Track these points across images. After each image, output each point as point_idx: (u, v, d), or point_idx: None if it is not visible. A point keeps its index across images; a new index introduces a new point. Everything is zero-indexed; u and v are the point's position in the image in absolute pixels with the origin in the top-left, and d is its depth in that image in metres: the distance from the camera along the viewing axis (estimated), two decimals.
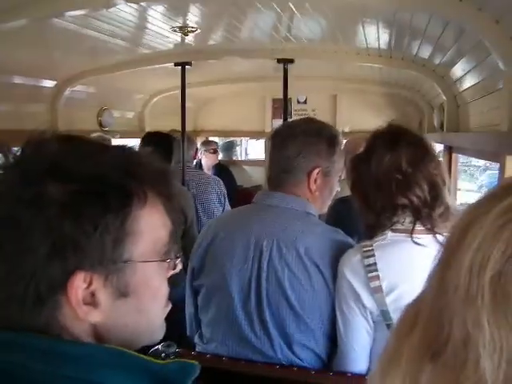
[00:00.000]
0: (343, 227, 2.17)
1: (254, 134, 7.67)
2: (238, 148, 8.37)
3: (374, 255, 1.72)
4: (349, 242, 1.95)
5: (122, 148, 0.96)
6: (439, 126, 4.62)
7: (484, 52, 2.64)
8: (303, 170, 2.00)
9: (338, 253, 1.85)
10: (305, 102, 7.00)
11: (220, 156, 7.24)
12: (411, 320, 0.66)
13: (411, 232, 1.73)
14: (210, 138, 7.47)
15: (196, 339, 2.12)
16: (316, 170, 1.99)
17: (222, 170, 6.64)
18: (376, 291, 1.68)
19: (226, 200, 4.46)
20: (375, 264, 1.70)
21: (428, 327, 0.62)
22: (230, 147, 8.12)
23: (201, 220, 4.17)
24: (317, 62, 4.55)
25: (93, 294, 0.84)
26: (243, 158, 8.38)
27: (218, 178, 4.55)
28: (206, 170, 6.42)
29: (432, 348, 0.60)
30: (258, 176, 7.53)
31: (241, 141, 8.39)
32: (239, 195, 6.14)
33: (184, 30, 3.17)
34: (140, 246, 0.87)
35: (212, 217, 4.23)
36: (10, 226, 0.80)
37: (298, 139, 2.01)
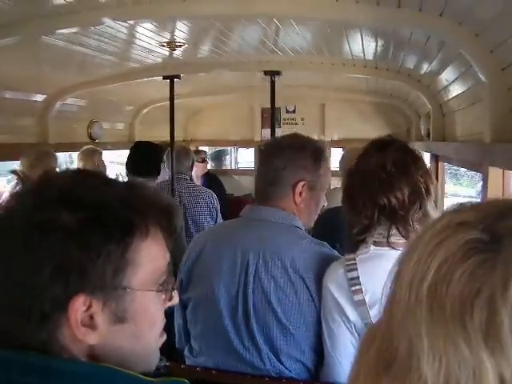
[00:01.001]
0: (328, 235, 2.21)
1: (244, 143, 7.71)
2: (227, 157, 8.40)
3: (356, 269, 1.74)
4: (334, 255, 1.97)
5: (129, 183, 1.03)
6: (426, 134, 4.67)
7: (466, 63, 2.69)
8: (288, 183, 2.02)
9: (323, 266, 1.87)
10: (293, 111, 7.05)
11: (210, 165, 7.27)
12: (369, 338, 0.70)
13: (387, 238, 1.76)
14: (200, 148, 7.50)
15: (186, 352, 2.13)
16: (301, 183, 2.01)
17: (211, 179, 6.64)
18: (359, 304, 1.70)
19: (219, 214, 4.45)
20: (358, 278, 1.72)
21: (382, 342, 0.65)
22: (219, 156, 8.14)
23: (190, 232, 4.16)
24: (304, 73, 4.60)
25: (91, 317, 0.87)
26: (233, 167, 8.43)
27: (210, 191, 4.53)
28: (195, 179, 6.43)
29: (385, 361, 0.63)
30: (247, 185, 7.55)
31: (230, 150, 8.42)
32: (229, 204, 6.15)
33: (171, 44, 3.21)
34: (139, 275, 0.91)
35: (202, 229, 4.21)
36: (19, 246, 0.86)
37: (283, 153, 2.04)
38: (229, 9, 2.49)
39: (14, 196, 0.93)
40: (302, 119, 7.06)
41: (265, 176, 2.06)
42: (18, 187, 1.00)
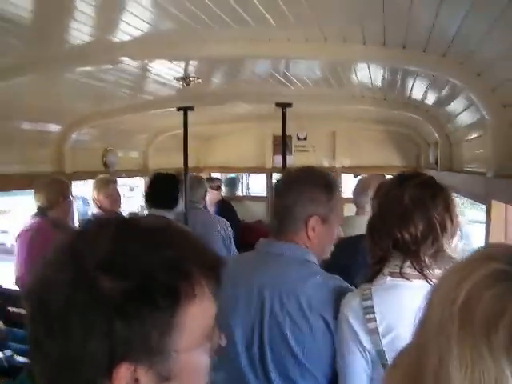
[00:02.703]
0: (343, 265, 2.26)
1: (255, 170, 7.78)
2: (239, 184, 8.46)
3: (371, 298, 1.79)
4: (347, 287, 2.00)
5: (175, 238, 0.96)
6: (434, 162, 4.71)
7: (470, 98, 2.76)
8: (300, 219, 2.03)
9: (337, 299, 1.90)
10: (305, 139, 7.12)
11: (223, 192, 7.34)
12: (398, 361, 0.81)
13: (400, 271, 1.80)
14: (213, 174, 7.59)
15: None
16: (313, 218, 2.03)
17: (224, 205, 6.72)
18: (372, 332, 1.75)
19: (232, 243, 4.48)
20: (372, 307, 1.77)
21: (410, 362, 0.76)
22: (232, 183, 8.20)
23: None
24: (314, 103, 4.70)
25: (136, 380, 0.86)
26: (245, 194, 8.48)
27: (224, 220, 4.56)
28: (208, 207, 6.49)
29: (412, 378, 0.73)
30: (259, 211, 7.60)
31: (242, 176, 8.49)
32: (241, 229, 6.22)
33: (186, 79, 3.32)
34: (186, 337, 0.89)
35: None
36: (63, 320, 0.84)
37: (294, 188, 2.06)
38: (239, 50, 2.59)
39: (49, 261, 0.90)
40: (313, 146, 7.11)
41: (277, 211, 2.09)
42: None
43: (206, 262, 0.94)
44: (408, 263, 1.81)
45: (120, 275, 0.84)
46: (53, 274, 0.87)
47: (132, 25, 2.30)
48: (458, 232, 1.86)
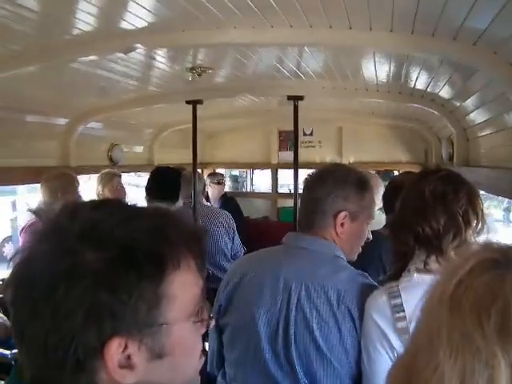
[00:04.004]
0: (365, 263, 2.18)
1: (260, 166, 7.70)
2: (244, 180, 8.38)
3: (400, 296, 1.74)
4: (374, 285, 1.96)
5: (155, 211, 0.96)
6: (448, 158, 4.61)
7: (496, 90, 2.66)
8: (329, 213, 2.01)
9: (364, 295, 1.86)
10: (311, 134, 7.01)
11: (227, 187, 7.24)
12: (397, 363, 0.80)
13: (425, 266, 1.76)
14: (217, 170, 7.49)
15: (219, 378, 2.11)
16: (342, 214, 2.01)
17: (228, 201, 6.65)
18: (403, 332, 1.68)
19: (236, 234, 4.44)
20: (401, 305, 1.71)
21: (407, 357, 0.76)
22: (236, 179, 8.13)
23: (209, 254, 4.11)
24: (320, 97, 4.60)
25: (128, 357, 0.84)
26: (249, 190, 8.39)
27: (226, 212, 4.54)
28: (212, 202, 6.42)
29: (408, 369, 0.72)
30: (264, 208, 7.54)
31: (246, 172, 8.39)
32: (247, 226, 6.13)
33: (197, 70, 3.20)
34: (174, 308, 0.87)
35: (219, 251, 4.23)
36: (48, 297, 0.81)
37: (326, 183, 2.04)
38: (242, 37, 2.51)
39: (34, 237, 0.89)
40: (320, 142, 7.01)
41: (307, 205, 2.08)
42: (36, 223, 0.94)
43: (188, 234, 0.93)
44: (433, 258, 1.77)
45: (102, 244, 0.83)
46: (35, 250, 0.86)
47: (136, 14, 2.25)
48: (485, 225, 1.81)
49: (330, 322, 1.86)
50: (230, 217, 4.47)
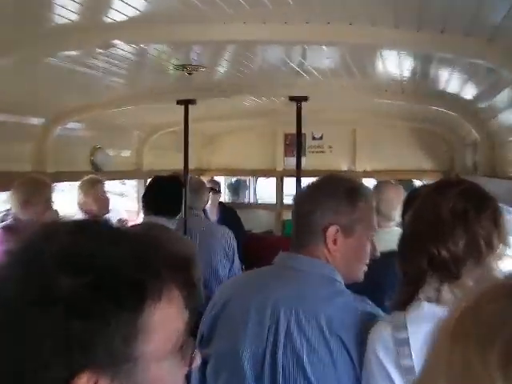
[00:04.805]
0: (371, 287, 2.17)
1: (265, 173, 7.71)
2: (246, 189, 8.38)
3: (406, 329, 1.71)
4: (377, 313, 1.94)
5: (140, 234, 0.99)
6: (472, 167, 4.62)
7: None
8: (318, 228, 2.00)
9: (364, 325, 1.84)
10: (320, 138, 7.07)
11: (226, 198, 7.27)
12: None
13: (437, 296, 1.72)
14: (216, 178, 7.52)
15: None
16: (332, 228, 1.98)
17: (227, 212, 6.68)
18: (407, 372, 1.66)
19: (236, 255, 4.45)
20: (407, 339, 1.69)
21: None
22: (237, 188, 8.14)
23: (204, 276, 4.12)
24: (333, 96, 4.66)
25: None
26: (252, 201, 8.41)
27: (226, 229, 4.53)
28: (209, 214, 6.44)
29: None
30: (268, 220, 7.57)
31: (249, 180, 8.42)
32: (248, 241, 6.18)
33: (188, 67, 3.27)
34: (153, 342, 0.88)
35: (216, 272, 4.24)
36: (14, 323, 0.83)
37: (313, 195, 2.05)
38: (250, 34, 2.55)
39: (5, 258, 0.89)
40: (330, 147, 7.06)
41: (296, 221, 2.08)
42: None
43: (174, 263, 0.94)
44: (446, 287, 1.73)
45: (78, 270, 0.83)
46: (5, 272, 0.87)
47: (126, 2, 2.25)
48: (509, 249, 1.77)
49: (323, 355, 1.85)
50: (232, 235, 4.47)
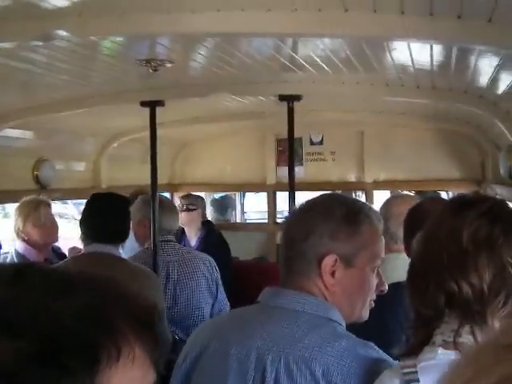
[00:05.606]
0: (375, 327, 2.21)
1: (253, 187, 7.74)
2: (231, 206, 8.39)
3: (417, 380, 1.72)
4: (384, 360, 1.95)
5: (93, 280, 0.98)
6: (507, 174, 4.64)
7: None
8: (311, 257, 2.01)
9: (368, 375, 1.86)
10: (321, 143, 7.08)
11: (211, 217, 7.27)
12: None
13: (455, 339, 1.71)
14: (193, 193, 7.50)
15: None
16: (330, 258, 1.99)
17: (210, 236, 6.66)
18: None
19: (220, 287, 4.48)
20: None
21: None
22: (221, 205, 8.14)
23: (181, 314, 4.18)
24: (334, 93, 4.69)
25: None
26: (240, 220, 8.43)
27: (207, 257, 4.55)
28: (189, 236, 6.43)
29: None
30: (259, 243, 7.57)
31: (235, 196, 8.43)
32: (235, 270, 6.22)
33: (152, 63, 3.27)
34: None
35: (198, 311, 4.25)
36: None
37: (305, 218, 2.06)
38: (227, 24, 2.55)
39: None
40: (333, 153, 7.05)
41: (284, 250, 2.08)
42: None
43: (134, 313, 0.94)
44: (467, 328, 1.72)
45: (15, 333, 0.83)
46: None
47: None
48: None
49: None
50: (214, 264, 4.49)
